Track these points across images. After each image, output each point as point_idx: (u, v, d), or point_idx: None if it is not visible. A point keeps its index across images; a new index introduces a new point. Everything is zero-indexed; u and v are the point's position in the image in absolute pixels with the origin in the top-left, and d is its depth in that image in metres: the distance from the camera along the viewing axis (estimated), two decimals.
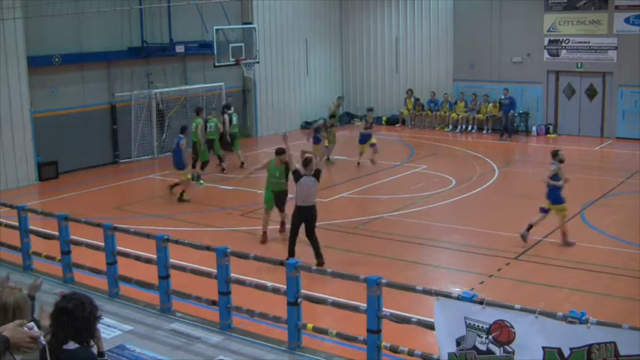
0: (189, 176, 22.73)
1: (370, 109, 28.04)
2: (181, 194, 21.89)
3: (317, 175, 15.61)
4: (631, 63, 30.80)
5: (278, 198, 17.81)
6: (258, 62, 31.01)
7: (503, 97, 32.61)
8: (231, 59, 28.89)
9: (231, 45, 29.10)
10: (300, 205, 15.52)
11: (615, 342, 7.58)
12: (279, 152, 17.33)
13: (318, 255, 15.36)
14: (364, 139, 26.64)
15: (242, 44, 29.63)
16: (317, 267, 13.40)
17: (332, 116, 27.89)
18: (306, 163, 15.66)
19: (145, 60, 28.46)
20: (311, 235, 15.61)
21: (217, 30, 27.78)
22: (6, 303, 6.16)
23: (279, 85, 34.75)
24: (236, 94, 32.65)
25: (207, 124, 25.37)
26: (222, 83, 30.61)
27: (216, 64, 28.15)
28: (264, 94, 33.71)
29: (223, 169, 25.82)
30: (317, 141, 25.66)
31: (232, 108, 26.98)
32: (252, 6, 32.54)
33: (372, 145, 26.26)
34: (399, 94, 36.57)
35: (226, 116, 26.13)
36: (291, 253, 15.35)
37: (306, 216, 15.56)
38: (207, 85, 30.54)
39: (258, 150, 30.53)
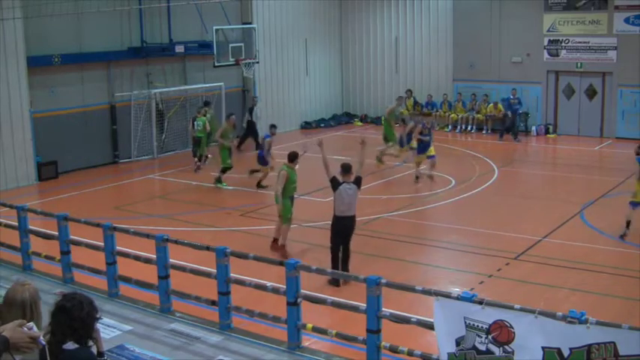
0: (267, 170, 23.27)
1: (427, 113, 27.61)
2: (259, 181, 23.24)
3: (358, 182, 14.67)
4: (631, 63, 30.81)
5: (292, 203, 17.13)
6: (257, 62, 31.00)
7: (511, 97, 32.49)
8: (231, 59, 28.88)
9: (230, 45, 29.09)
10: (340, 215, 14.55)
11: (615, 342, 7.58)
12: (294, 157, 16.91)
13: (345, 265, 14.67)
14: (424, 147, 23.52)
15: (242, 44, 29.63)
16: (319, 268, 13.20)
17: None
18: (346, 169, 14.76)
19: (144, 60, 28.46)
20: (346, 246, 14.76)
21: (217, 30, 27.77)
22: (23, 299, 6.19)
23: (279, 85, 34.75)
24: (236, 94, 32.66)
25: (195, 123, 25.81)
26: (221, 83, 30.59)
27: (216, 64, 28.14)
28: (264, 94, 33.67)
29: (199, 168, 26.38)
30: (402, 143, 25.09)
31: (207, 109, 27.21)
32: (251, 6, 32.54)
33: (431, 157, 23.46)
34: (399, 94, 36.48)
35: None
36: (336, 268, 14.45)
37: (345, 227, 14.63)
38: (207, 85, 30.53)
39: (258, 150, 30.48)
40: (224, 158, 23.82)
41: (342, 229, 14.60)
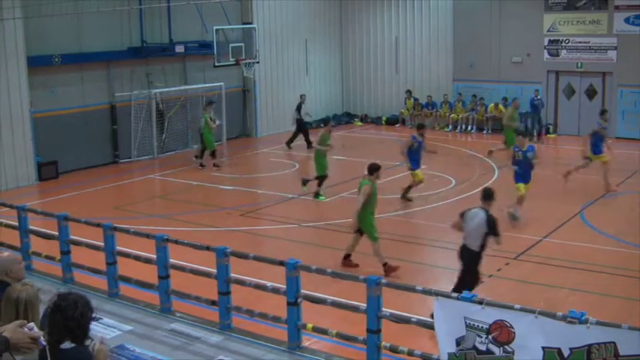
0: (421, 177, 21.70)
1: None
2: (407, 190, 21.61)
3: (491, 223, 12.52)
4: (631, 63, 30.83)
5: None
6: (258, 62, 31.02)
7: (535, 97, 32.39)
8: (231, 59, 28.90)
9: (231, 45, 29.13)
10: (463, 242, 12.89)
11: (615, 342, 7.59)
12: (375, 169, 15.43)
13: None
14: (599, 147, 22.36)
15: (242, 44, 29.65)
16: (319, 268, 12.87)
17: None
18: (487, 195, 12.91)
19: (144, 60, 28.46)
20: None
21: (217, 30, 27.80)
22: (18, 297, 6.20)
23: (279, 85, 34.73)
24: (236, 94, 32.66)
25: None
26: (222, 83, 30.61)
27: (216, 64, 28.16)
28: (264, 94, 33.69)
29: (201, 164, 26.73)
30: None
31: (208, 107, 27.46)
32: (252, 6, 32.53)
33: (606, 162, 22.13)
34: (399, 94, 36.57)
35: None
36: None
37: (461, 256, 12.86)
38: (207, 85, 30.56)
39: (258, 151, 30.50)
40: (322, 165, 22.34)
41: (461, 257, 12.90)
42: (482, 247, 12.57)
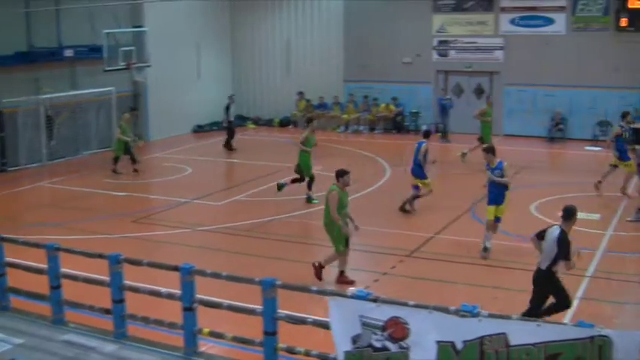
0: (430, 187, 20.30)
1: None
2: (407, 204, 20.22)
3: (561, 243, 11.55)
4: (516, 63, 31.77)
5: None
6: (149, 66, 30.66)
7: (442, 98, 32.77)
8: (122, 63, 28.51)
9: (121, 49, 28.74)
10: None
11: (506, 333, 7.79)
12: (342, 174, 14.79)
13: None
14: (626, 152, 21.05)
15: (133, 48, 29.32)
16: (214, 272, 12.68)
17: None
18: (567, 214, 11.78)
19: (32, 65, 27.66)
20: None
21: (107, 34, 27.38)
22: None
23: (171, 89, 34.28)
24: (127, 98, 32.10)
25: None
26: (112, 88, 30.06)
27: (107, 68, 27.74)
28: (156, 98, 33.20)
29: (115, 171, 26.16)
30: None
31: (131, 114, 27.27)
32: (142, 9, 31.99)
33: (632, 171, 20.75)
34: (291, 96, 36.62)
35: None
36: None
37: (533, 278, 12.11)
38: (98, 90, 29.86)
39: (150, 155, 30.11)
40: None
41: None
42: (550, 268, 11.71)
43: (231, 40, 38.10)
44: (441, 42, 33.46)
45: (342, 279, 14.76)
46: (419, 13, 33.45)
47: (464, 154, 26.12)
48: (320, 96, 35.67)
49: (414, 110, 34.04)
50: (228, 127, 30.52)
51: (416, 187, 20.19)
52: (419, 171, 20.05)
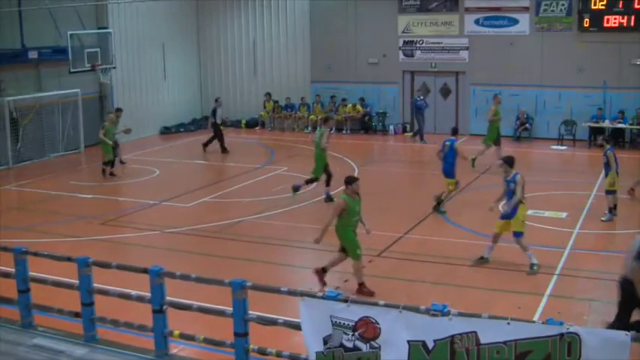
0: (453, 188, 20.19)
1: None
2: (440, 203, 20.09)
3: None
4: (481, 63, 31.99)
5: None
6: (114, 67, 30.50)
7: (418, 98, 32.38)
8: (87, 65, 28.30)
9: (86, 50, 28.56)
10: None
11: (476, 331, 7.84)
12: (351, 181, 14.25)
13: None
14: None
15: (98, 49, 29.13)
16: (183, 274, 12.68)
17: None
18: None
19: None
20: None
21: (72, 35, 27.18)
22: None
23: (137, 90, 34.19)
24: (92, 100, 31.86)
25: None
26: (78, 90, 29.84)
27: (72, 69, 27.54)
28: (122, 99, 32.97)
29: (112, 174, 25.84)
30: None
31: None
32: (107, 10, 31.77)
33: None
34: (258, 97, 36.59)
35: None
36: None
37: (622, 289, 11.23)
38: (63, 91, 29.65)
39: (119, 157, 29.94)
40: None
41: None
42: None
43: (198, 41, 37.99)
44: (406, 42, 33.59)
45: (363, 290, 14.15)
46: (384, 14, 33.57)
47: (473, 160, 25.17)
48: (287, 97, 35.68)
49: (381, 111, 34.16)
50: (215, 130, 30.05)
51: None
52: (450, 170, 19.99)
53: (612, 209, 18.92)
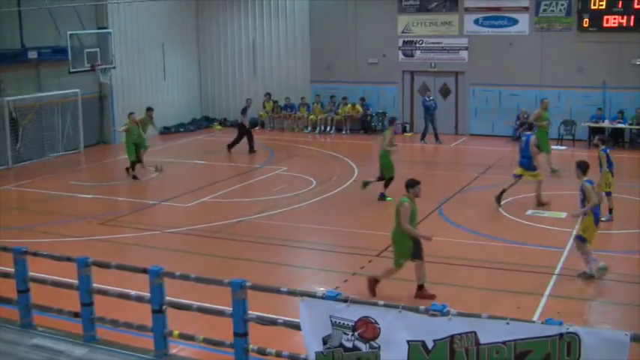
0: (541, 177, 20.37)
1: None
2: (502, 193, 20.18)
3: None
4: (481, 63, 31.99)
5: (416, 243, 14.27)
6: (114, 67, 30.50)
7: (426, 99, 32.05)
8: (87, 65, 28.29)
9: (86, 50, 28.56)
10: None
11: (475, 331, 7.83)
12: (413, 184, 14.06)
13: None
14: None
15: (97, 49, 29.12)
16: (183, 274, 12.70)
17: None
18: None
19: None
20: None
21: (71, 35, 27.16)
22: None
23: (137, 90, 34.17)
24: (92, 100, 31.86)
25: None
26: (77, 90, 29.84)
27: (71, 69, 27.52)
28: (121, 99, 33.02)
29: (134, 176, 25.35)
30: None
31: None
32: (106, 10, 31.76)
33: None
34: (258, 97, 36.57)
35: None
36: None
37: None
38: (63, 91, 29.66)
39: (117, 157, 29.91)
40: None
41: None
42: None
43: (197, 41, 37.99)
44: (406, 42, 33.59)
45: (423, 294, 13.96)
46: (384, 14, 33.57)
47: (554, 171, 24.36)
48: (286, 97, 35.68)
49: (380, 110, 34.15)
50: (242, 130, 29.74)
51: (517, 176, 20.31)
52: (528, 163, 20.10)
53: (612, 210, 18.92)
